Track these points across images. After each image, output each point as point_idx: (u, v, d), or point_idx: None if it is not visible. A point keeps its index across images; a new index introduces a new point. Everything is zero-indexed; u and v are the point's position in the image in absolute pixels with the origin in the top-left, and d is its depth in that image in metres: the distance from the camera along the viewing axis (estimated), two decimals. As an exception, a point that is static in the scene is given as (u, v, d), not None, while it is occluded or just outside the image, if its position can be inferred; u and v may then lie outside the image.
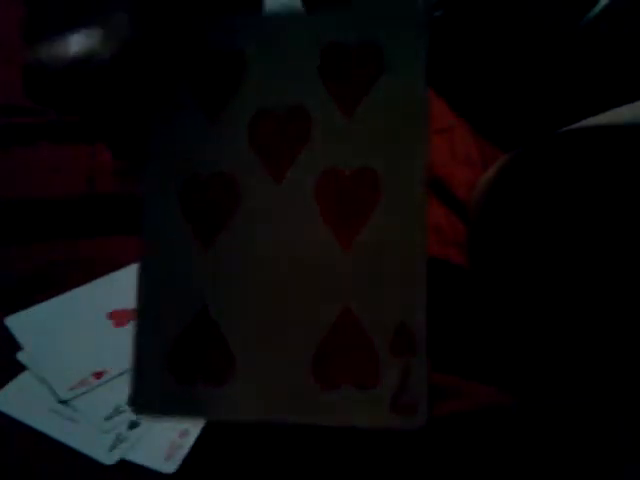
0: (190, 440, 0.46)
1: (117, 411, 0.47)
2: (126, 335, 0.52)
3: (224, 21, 0.38)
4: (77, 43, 0.33)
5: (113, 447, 0.45)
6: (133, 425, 0.46)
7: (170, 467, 0.44)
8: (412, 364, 0.35)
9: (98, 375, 0.49)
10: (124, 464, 0.44)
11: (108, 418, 0.47)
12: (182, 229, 0.37)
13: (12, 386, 0.49)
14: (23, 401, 0.48)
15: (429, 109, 0.36)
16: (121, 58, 0.34)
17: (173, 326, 0.37)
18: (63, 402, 0.48)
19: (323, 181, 0.36)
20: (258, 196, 0.37)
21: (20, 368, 0.50)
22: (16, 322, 0.54)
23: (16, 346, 0.52)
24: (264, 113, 0.37)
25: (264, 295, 0.36)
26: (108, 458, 0.44)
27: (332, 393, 0.35)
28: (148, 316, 0.37)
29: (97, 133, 0.40)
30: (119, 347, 0.51)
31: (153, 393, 0.36)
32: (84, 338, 0.52)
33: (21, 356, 0.51)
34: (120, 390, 0.48)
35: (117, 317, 0.54)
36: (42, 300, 0.55)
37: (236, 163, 0.37)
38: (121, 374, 0.49)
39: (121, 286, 0.56)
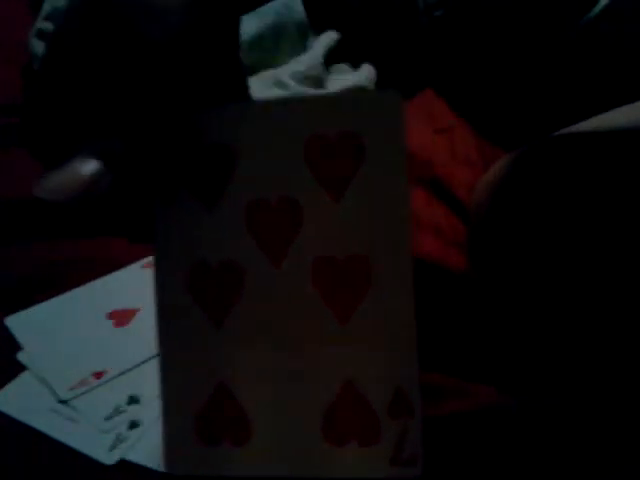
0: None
1: (117, 411, 0.47)
2: (126, 335, 0.53)
3: (211, 113, 0.40)
4: (76, 176, 0.36)
5: (113, 447, 0.45)
6: (133, 425, 0.46)
7: (170, 467, 0.44)
8: (409, 426, 0.39)
9: (98, 375, 0.49)
10: (124, 464, 0.44)
11: (108, 418, 0.47)
12: (194, 314, 0.40)
13: (12, 386, 0.49)
14: (23, 401, 0.48)
15: (409, 192, 0.39)
16: (119, 184, 0.36)
17: (195, 400, 0.41)
18: (63, 402, 0.48)
19: (318, 267, 0.39)
20: (260, 280, 0.40)
21: (20, 368, 0.50)
22: (16, 322, 0.53)
23: (16, 346, 0.52)
24: (258, 203, 0.40)
25: (271, 368, 0.40)
26: (108, 458, 0.44)
27: (339, 450, 0.40)
28: (172, 393, 0.41)
29: None
30: (119, 347, 0.51)
31: (184, 457, 0.41)
32: (84, 338, 0.52)
33: (21, 356, 0.51)
34: (120, 390, 0.48)
35: (117, 317, 0.54)
36: (42, 300, 0.55)
37: (238, 250, 0.40)
38: (121, 374, 0.49)
39: (121, 286, 0.56)
